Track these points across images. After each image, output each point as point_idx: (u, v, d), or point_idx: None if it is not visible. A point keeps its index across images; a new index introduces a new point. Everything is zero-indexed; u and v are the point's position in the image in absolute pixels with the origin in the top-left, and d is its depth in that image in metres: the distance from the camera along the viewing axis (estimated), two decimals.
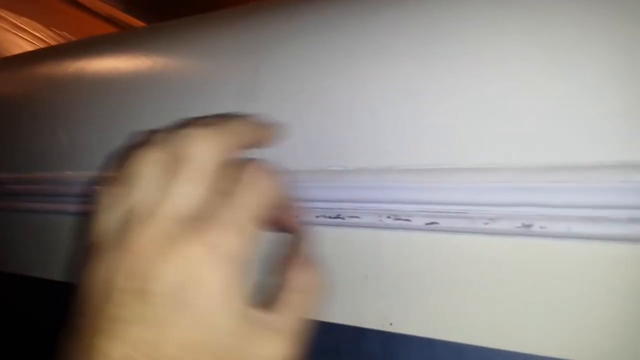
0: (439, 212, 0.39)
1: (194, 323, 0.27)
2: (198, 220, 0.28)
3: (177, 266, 0.27)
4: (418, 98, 0.39)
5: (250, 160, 0.32)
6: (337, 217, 0.43)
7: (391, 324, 0.43)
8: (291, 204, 0.38)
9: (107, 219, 0.30)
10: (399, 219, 0.40)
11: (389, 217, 0.40)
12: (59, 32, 2.84)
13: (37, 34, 2.98)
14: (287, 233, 0.40)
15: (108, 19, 2.56)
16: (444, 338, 0.40)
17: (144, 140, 0.32)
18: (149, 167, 0.30)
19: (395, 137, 0.40)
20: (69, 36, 2.77)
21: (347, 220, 0.42)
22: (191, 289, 0.27)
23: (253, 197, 0.30)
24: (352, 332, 0.44)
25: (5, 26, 3.00)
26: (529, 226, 0.35)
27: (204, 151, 0.30)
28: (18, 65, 0.70)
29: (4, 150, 0.65)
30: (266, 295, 0.33)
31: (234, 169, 0.31)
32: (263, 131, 0.37)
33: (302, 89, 0.45)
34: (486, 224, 0.37)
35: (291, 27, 0.48)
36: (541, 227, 0.35)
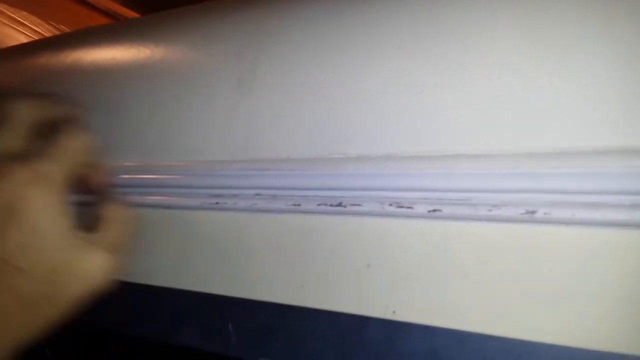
0: (442, 199, 0.38)
1: (28, 228, 0.34)
2: (26, 156, 0.35)
3: (9, 185, 0.33)
4: (419, 85, 0.39)
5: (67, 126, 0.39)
6: (339, 205, 0.42)
7: (394, 312, 0.42)
8: (98, 168, 0.43)
9: None
10: (402, 207, 0.40)
11: (391, 205, 0.40)
12: (57, 25, 2.83)
13: (35, 28, 2.97)
14: (94, 194, 0.43)
15: (106, 13, 2.55)
16: (447, 326, 0.40)
17: None
18: None
19: (397, 124, 0.40)
20: (66, 30, 2.76)
21: (349, 208, 0.42)
22: (21, 202, 0.34)
23: (69, 147, 0.37)
24: (356, 320, 0.44)
25: (4, 20, 2.99)
26: (533, 212, 0.35)
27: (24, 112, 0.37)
28: (16, 56, 0.69)
29: None
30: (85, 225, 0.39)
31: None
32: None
33: (301, 79, 0.45)
34: (490, 210, 0.37)
35: (290, 17, 0.47)
36: (545, 214, 0.35)
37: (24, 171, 0.34)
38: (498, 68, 0.37)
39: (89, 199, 0.41)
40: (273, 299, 0.48)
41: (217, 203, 0.48)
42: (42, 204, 0.34)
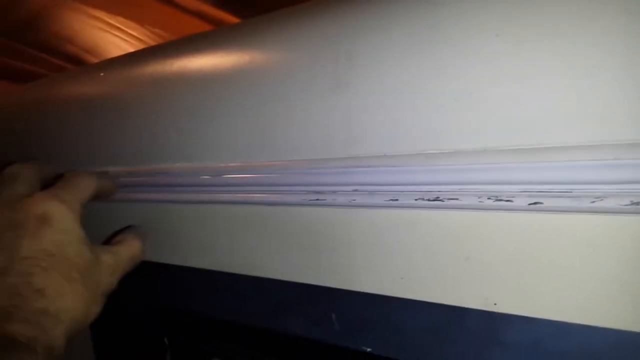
0: (543, 191, 0.38)
1: (56, 231, 0.48)
2: (51, 190, 0.53)
3: (40, 206, 0.49)
4: (515, 76, 0.39)
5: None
6: (437, 199, 0.43)
7: (495, 304, 0.43)
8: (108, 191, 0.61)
9: None
10: (501, 200, 0.40)
11: (489, 199, 0.41)
12: (152, 29, 2.97)
13: (132, 32, 3.14)
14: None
15: (198, 14, 2.65)
16: (548, 317, 0.40)
17: None
18: None
19: (495, 117, 0.40)
20: (162, 33, 2.90)
21: (447, 202, 0.43)
22: (51, 214, 0.49)
23: (77, 184, 0.54)
24: (456, 311, 0.45)
25: (101, 26, 3.18)
26: (638, 204, 0.35)
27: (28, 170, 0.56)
28: (126, 65, 0.75)
29: (116, 145, 0.70)
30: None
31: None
32: (103, 183, 0.59)
33: (394, 75, 0.45)
34: (593, 202, 0.36)
35: (384, 8, 0.48)
36: None
37: (48, 195, 0.51)
38: (599, 52, 0.36)
39: None
40: (374, 290, 0.50)
41: (317, 199, 0.51)
42: (68, 213, 0.50)
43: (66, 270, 0.48)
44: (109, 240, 0.58)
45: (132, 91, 0.69)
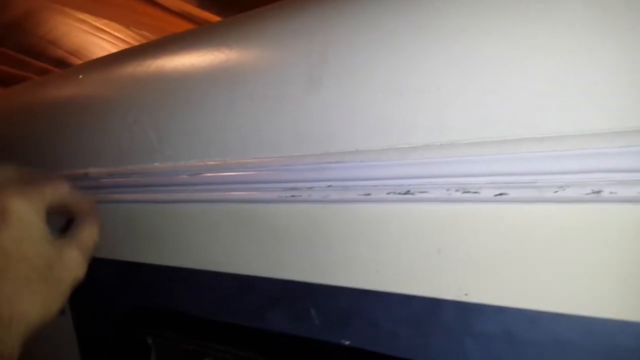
0: (508, 182, 0.39)
1: (16, 227, 0.46)
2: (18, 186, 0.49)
3: (2, 201, 0.46)
4: (480, 71, 0.40)
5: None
6: (407, 192, 0.44)
7: (466, 295, 0.44)
8: (77, 202, 0.56)
9: None
10: (468, 192, 0.41)
11: (457, 191, 0.41)
12: (137, 31, 2.97)
13: (117, 35, 3.13)
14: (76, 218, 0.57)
15: (183, 15, 2.65)
16: (519, 306, 0.41)
17: None
18: None
19: (460, 111, 0.41)
20: (147, 34, 2.90)
21: (417, 195, 0.44)
22: (13, 206, 0.46)
23: (45, 185, 0.51)
24: (429, 303, 0.46)
25: (87, 29, 3.18)
26: (598, 192, 0.35)
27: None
28: (104, 66, 0.75)
29: (95, 146, 0.70)
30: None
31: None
32: (74, 196, 0.56)
33: (367, 70, 0.46)
34: (555, 192, 0.37)
35: (356, 8, 0.49)
36: (611, 193, 0.35)
37: (14, 189, 0.48)
38: (561, 47, 0.37)
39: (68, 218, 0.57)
40: (351, 284, 0.51)
41: (292, 196, 0.51)
42: (29, 210, 0.48)
43: (24, 272, 0.46)
44: (66, 227, 0.57)
45: (110, 92, 0.69)
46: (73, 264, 0.51)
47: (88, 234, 0.54)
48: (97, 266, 0.54)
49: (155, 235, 0.68)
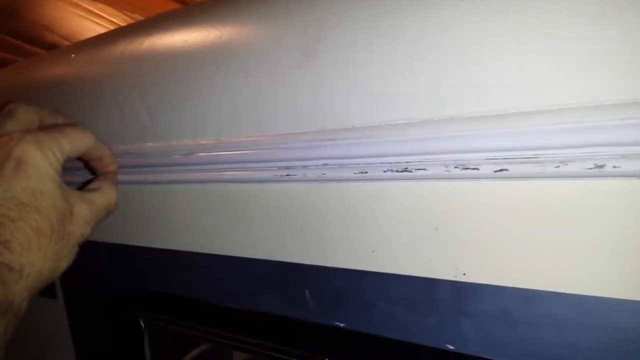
0: (508, 158, 0.38)
1: (31, 178, 0.45)
2: (33, 131, 0.48)
3: (17, 147, 0.46)
4: (479, 44, 0.39)
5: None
6: (405, 170, 0.43)
7: (464, 274, 0.43)
8: (103, 157, 0.56)
9: None
10: (467, 168, 0.40)
11: (456, 167, 0.40)
12: (131, 14, 2.95)
13: (111, 19, 3.10)
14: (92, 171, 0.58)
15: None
16: (516, 285, 0.40)
17: None
18: None
19: (458, 85, 0.40)
20: (141, 17, 2.86)
21: (415, 173, 0.43)
22: (28, 156, 0.46)
23: (68, 135, 0.50)
24: (426, 283, 0.45)
25: (81, 13, 3.15)
26: (601, 167, 0.34)
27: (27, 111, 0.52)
28: (95, 46, 0.73)
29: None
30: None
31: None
32: (100, 147, 0.54)
33: (362, 43, 0.45)
34: (557, 167, 0.36)
35: None
36: (614, 167, 0.34)
37: (32, 137, 0.47)
38: (562, 18, 0.36)
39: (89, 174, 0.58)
40: (346, 265, 0.50)
41: (287, 175, 0.50)
42: (46, 162, 0.47)
43: (36, 223, 0.45)
44: (84, 185, 0.55)
45: (101, 71, 0.68)
46: (81, 220, 0.50)
47: (101, 196, 0.53)
48: (89, 249, 0.53)
49: (147, 217, 0.67)
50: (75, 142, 0.50)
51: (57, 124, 0.53)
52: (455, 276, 0.43)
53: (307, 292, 0.54)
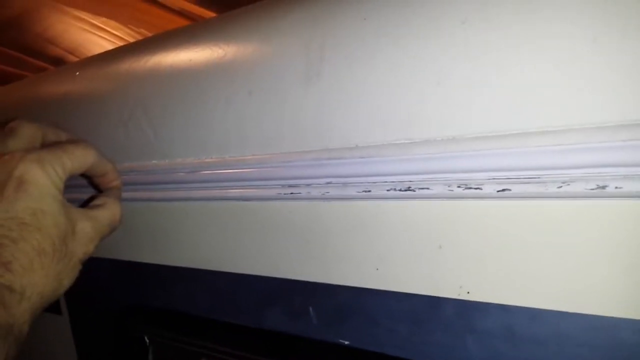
0: (510, 178, 0.38)
1: (32, 197, 0.45)
2: (35, 150, 0.47)
3: (19, 167, 0.45)
4: (482, 64, 0.39)
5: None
6: (408, 189, 0.43)
7: (468, 292, 0.43)
8: (106, 173, 0.56)
9: None
10: (470, 188, 0.40)
11: (459, 187, 0.41)
12: (136, 29, 2.96)
13: (115, 32, 3.12)
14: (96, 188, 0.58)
15: (181, 13, 2.64)
16: (520, 304, 0.40)
17: None
18: None
19: (462, 105, 0.40)
20: (145, 32, 2.88)
21: (418, 192, 0.43)
22: (29, 175, 0.45)
23: (71, 152, 0.49)
24: (430, 301, 0.45)
25: (84, 27, 3.17)
26: (603, 187, 0.35)
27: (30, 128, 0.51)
28: (100, 63, 0.74)
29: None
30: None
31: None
32: (102, 163, 0.54)
33: (367, 64, 0.45)
34: (559, 187, 0.36)
35: (354, 3, 0.48)
36: (617, 188, 0.34)
37: (33, 156, 0.46)
38: (564, 39, 0.36)
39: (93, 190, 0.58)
40: (350, 283, 0.50)
41: (291, 193, 0.50)
42: (47, 181, 0.46)
43: (38, 242, 0.45)
44: (88, 202, 0.54)
45: (106, 88, 0.69)
46: (84, 238, 0.49)
47: (105, 212, 0.53)
48: (94, 265, 0.53)
49: (152, 234, 0.67)
50: (78, 159, 0.50)
51: (60, 141, 0.52)
52: (459, 294, 0.43)
53: (310, 309, 0.54)
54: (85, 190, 0.64)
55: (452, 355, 0.45)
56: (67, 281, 0.48)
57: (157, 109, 0.61)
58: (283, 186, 0.51)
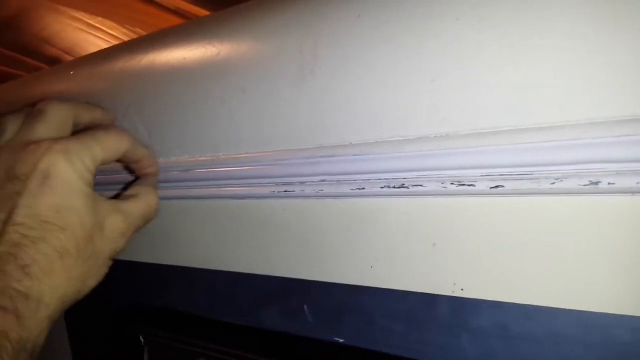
0: (504, 175, 0.38)
1: (57, 194, 0.42)
2: (62, 140, 0.44)
3: (44, 159, 0.42)
4: (475, 61, 0.39)
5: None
6: (402, 186, 0.43)
7: (462, 290, 0.43)
8: (142, 160, 0.54)
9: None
10: (463, 185, 0.40)
11: (453, 184, 0.41)
12: (132, 28, 2.96)
13: (112, 32, 3.11)
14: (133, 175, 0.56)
15: (177, 12, 2.63)
16: (515, 301, 0.40)
17: None
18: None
19: (455, 102, 0.40)
20: (142, 32, 2.88)
21: (412, 189, 0.43)
22: (54, 169, 0.42)
23: (102, 141, 0.47)
24: (425, 298, 0.45)
25: (80, 27, 3.16)
26: (597, 184, 0.34)
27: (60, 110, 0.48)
28: (94, 62, 0.74)
29: None
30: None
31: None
32: (138, 149, 0.52)
33: (360, 62, 0.45)
34: (553, 184, 0.36)
35: (344, 4, 0.48)
36: (610, 184, 0.34)
37: (60, 147, 0.43)
38: (557, 35, 0.36)
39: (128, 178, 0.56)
40: (345, 281, 0.50)
41: (285, 191, 0.50)
42: (75, 175, 0.43)
43: (61, 243, 0.41)
44: (123, 191, 0.52)
45: (100, 87, 0.68)
46: (114, 233, 0.46)
47: (138, 204, 0.49)
48: None
49: (146, 233, 0.67)
50: (110, 147, 0.47)
51: (93, 125, 0.50)
52: (454, 292, 0.43)
53: (306, 307, 0.54)
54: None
55: (446, 352, 0.45)
56: (93, 281, 0.46)
57: (151, 108, 0.61)
58: (277, 184, 0.51)
